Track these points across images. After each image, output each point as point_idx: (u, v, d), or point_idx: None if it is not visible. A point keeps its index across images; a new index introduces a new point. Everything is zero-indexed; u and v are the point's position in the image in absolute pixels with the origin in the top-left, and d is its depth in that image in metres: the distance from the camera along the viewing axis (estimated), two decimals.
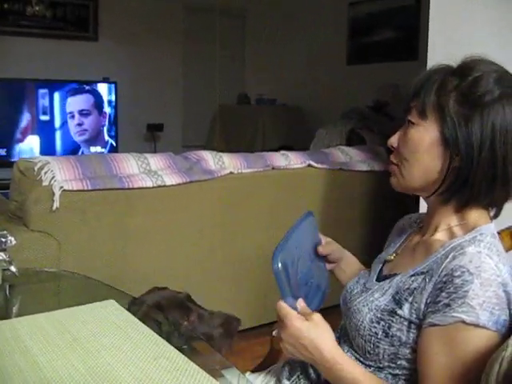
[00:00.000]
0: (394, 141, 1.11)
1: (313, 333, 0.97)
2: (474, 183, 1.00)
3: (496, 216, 1.08)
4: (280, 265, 1.00)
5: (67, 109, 5.22)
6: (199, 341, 1.16)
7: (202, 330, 1.19)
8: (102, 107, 5.41)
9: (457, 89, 1.01)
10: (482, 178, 1.00)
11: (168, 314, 1.19)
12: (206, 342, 1.16)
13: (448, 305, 0.93)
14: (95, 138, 5.40)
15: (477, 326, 0.90)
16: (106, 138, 5.48)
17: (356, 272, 1.33)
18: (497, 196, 1.04)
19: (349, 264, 1.36)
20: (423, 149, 1.04)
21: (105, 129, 5.45)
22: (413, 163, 1.06)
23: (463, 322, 0.91)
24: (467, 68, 1.03)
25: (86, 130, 5.32)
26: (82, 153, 5.29)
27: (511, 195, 1.05)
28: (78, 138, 5.30)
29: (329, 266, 1.35)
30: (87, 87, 5.32)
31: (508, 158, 0.99)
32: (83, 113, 5.29)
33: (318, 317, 0.99)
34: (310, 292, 1.17)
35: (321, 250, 1.28)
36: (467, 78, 1.01)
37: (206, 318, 1.20)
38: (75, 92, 5.24)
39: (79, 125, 5.27)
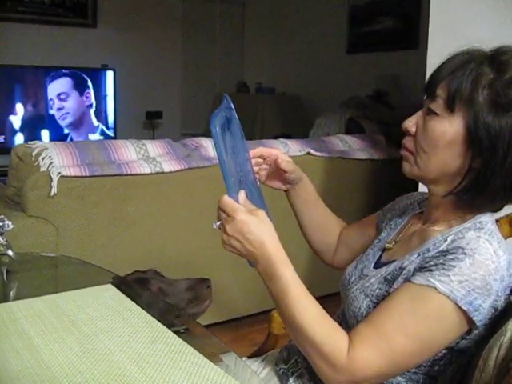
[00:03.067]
0: (411, 126, 1.05)
1: (260, 228, 0.96)
2: (492, 189, 0.96)
3: (497, 211, 1.05)
4: (218, 129, 0.92)
5: (48, 96, 5.18)
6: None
7: (168, 300, 1.19)
8: (84, 88, 5.34)
9: (491, 86, 0.95)
10: (501, 186, 0.96)
11: (130, 287, 1.19)
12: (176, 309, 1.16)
13: (430, 270, 0.93)
14: (81, 122, 5.35)
15: (448, 297, 0.90)
16: (96, 122, 5.45)
17: (312, 200, 1.32)
18: (508, 202, 1.02)
19: (305, 190, 1.32)
20: (444, 143, 0.99)
21: (91, 111, 5.40)
22: (431, 156, 1.01)
23: (436, 289, 0.90)
24: (503, 63, 0.96)
25: (67, 113, 5.28)
26: (71, 139, 5.26)
27: None
28: (63, 123, 5.26)
29: (285, 186, 1.30)
30: (74, 70, 5.26)
31: None
32: (61, 97, 5.24)
33: (262, 213, 0.98)
34: (253, 194, 1.09)
35: (283, 165, 1.22)
36: (503, 75, 0.94)
37: (167, 289, 1.20)
38: (53, 78, 5.18)
39: (60, 109, 5.23)
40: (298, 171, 1.28)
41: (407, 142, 1.06)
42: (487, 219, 1.01)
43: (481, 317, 0.91)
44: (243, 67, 6.89)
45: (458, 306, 0.90)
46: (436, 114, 1.00)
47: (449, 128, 0.98)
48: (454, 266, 0.91)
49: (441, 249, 0.96)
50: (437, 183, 1.04)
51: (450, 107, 0.98)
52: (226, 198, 0.97)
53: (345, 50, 5.61)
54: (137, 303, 1.09)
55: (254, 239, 0.96)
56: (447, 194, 1.02)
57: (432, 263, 0.94)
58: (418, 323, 0.91)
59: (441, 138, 0.99)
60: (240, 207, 0.97)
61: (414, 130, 1.04)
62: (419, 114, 1.05)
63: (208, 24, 6.51)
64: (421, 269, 0.95)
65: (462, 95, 0.96)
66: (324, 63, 5.77)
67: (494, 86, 0.95)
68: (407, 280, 0.96)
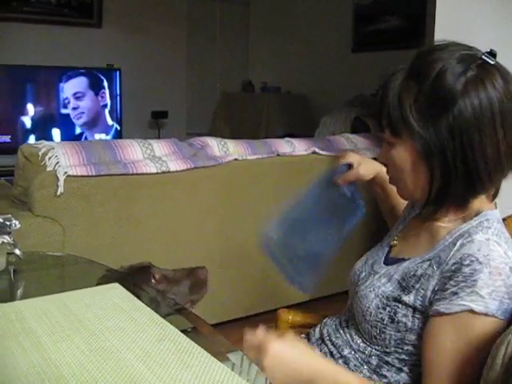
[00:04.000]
0: (382, 159, 1.10)
1: (299, 353, 0.95)
2: (456, 190, 0.98)
3: (495, 196, 1.07)
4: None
5: (63, 95, 5.20)
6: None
7: (172, 289, 1.21)
8: (99, 88, 5.36)
9: (418, 97, 0.96)
10: (462, 184, 0.98)
11: (132, 278, 1.20)
12: (181, 300, 1.17)
13: (456, 293, 0.93)
14: (96, 121, 5.37)
15: (486, 314, 0.91)
16: (110, 121, 5.45)
17: (386, 193, 1.34)
18: (479, 192, 1.02)
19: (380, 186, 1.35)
20: (409, 168, 1.02)
21: (106, 111, 5.41)
22: (405, 181, 1.05)
23: (472, 310, 0.91)
24: (423, 67, 0.97)
25: (82, 113, 5.30)
26: (86, 138, 5.28)
27: (496, 183, 1.03)
28: (77, 123, 5.28)
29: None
30: (81, 70, 5.28)
31: (476, 157, 0.95)
32: (77, 96, 5.26)
33: (290, 335, 0.97)
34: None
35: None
36: (426, 82, 0.96)
37: (171, 276, 1.21)
38: (68, 77, 5.21)
39: (75, 108, 5.25)
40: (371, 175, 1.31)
41: (387, 172, 1.11)
42: (493, 217, 1.01)
43: (508, 316, 0.93)
44: (248, 66, 6.89)
45: (495, 317, 0.91)
46: (391, 143, 1.03)
47: (404, 153, 1.01)
48: (476, 280, 0.92)
49: (453, 260, 0.96)
50: (423, 200, 1.06)
51: (395, 134, 1.01)
52: (249, 337, 0.96)
53: (350, 48, 5.60)
54: (141, 300, 1.10)
55: (297, 367, 0.94)
56: (422, 209, 1.05)
57: (453, 283, 0.94)
58: (472, 350, 0.92)
59: (403, 163, 1.03)
60: (268, 338, 0.94)
61: (384, 161, 1.09)
62: (384, 145, 1.08)
63: (212, 23, 6.52)
64: (443, 293, 0.95)
65: (397, 118, 0.99)
66: (329, 62, 5.76)
67: (418, 101, 0.97)
68: (437, 312, 0.95)
